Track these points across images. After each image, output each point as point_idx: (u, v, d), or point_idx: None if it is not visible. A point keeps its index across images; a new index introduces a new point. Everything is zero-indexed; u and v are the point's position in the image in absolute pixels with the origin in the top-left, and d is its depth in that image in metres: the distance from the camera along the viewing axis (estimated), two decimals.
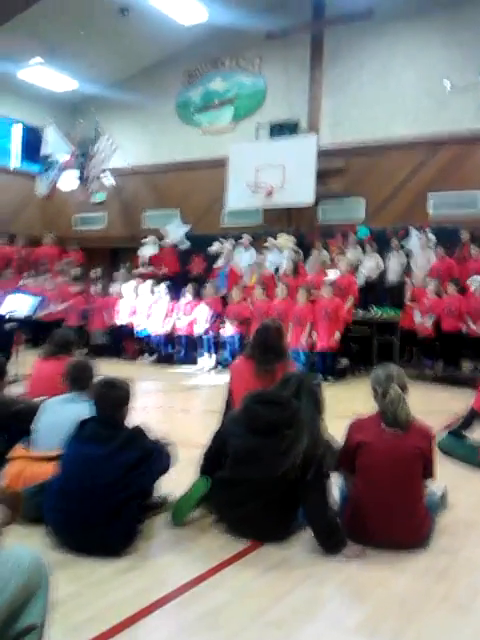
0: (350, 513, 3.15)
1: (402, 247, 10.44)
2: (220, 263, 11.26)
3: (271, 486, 3.05)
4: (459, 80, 10.90)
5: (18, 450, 3.45)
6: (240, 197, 12.18)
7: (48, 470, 3.17)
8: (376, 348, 9.50)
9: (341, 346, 8.71)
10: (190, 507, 3.32)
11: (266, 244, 11.41)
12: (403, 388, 3.24)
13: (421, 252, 10.13)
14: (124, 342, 10.80)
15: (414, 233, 10.63)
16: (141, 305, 10.50)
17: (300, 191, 11.54)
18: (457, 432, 4.80)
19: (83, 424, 3.15)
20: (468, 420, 4.80)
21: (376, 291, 10.33)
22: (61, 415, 3.46)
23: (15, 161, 15.60)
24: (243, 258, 11.43)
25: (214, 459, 3.35)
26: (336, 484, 3.35)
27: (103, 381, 3.26)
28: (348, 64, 12.22)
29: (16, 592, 1.69)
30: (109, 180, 14.46)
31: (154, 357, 10.34)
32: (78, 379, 3.68)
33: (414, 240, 10.50)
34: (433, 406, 6.65)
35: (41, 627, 1.78)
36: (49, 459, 3.25)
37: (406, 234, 10.71)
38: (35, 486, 3.14)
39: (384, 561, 2.95)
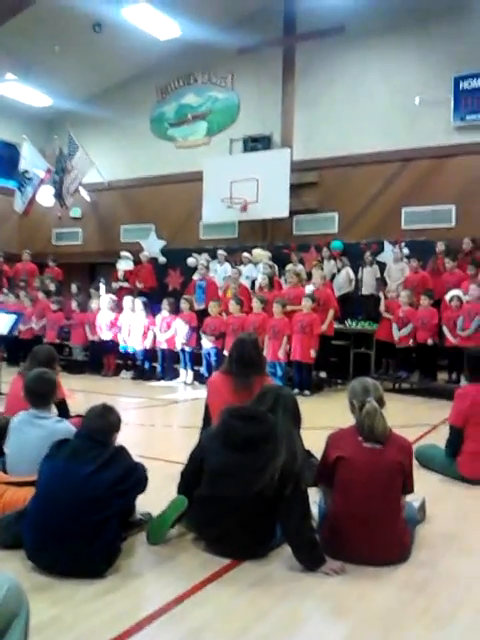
0: (329, 529, 3.16)
1: (375, 261, 10.55)
2: (196, 277, 11.27)
3: (249, 503, 3.04)
4: (430, 96, 11.11)
5: None
6: (215, 211, 12.25)
7: (26, 495, 3.14)
8: (353, 360, 9.57)
9: (318, 359, 8.74)
10: (166, 527, 3.30)
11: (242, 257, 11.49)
12: (380, 401, 3.26)
13: (394, 265, 10.26)
14: (104, 357, 10.74)
15: (388, 246, 10.79)
16: (121, 320, 10.45)
17: (274, 205, 11.65)
18: (451, 453, 4.60)
19: (61, 443, 3.14)
20: (455, 438, 4.57)
21: (351, 304, 10.43)
22: (30, 435, 3.43)
23: None
24: (219, 272, 11.47)
25: (192, 477, 3.33)
26: (314, 499, 3.36)
27: (104, 405, 3.30)
28: (320, 79, 12.38)
29: None
30: (85, 195, 14.45)
31: (134, 372, 10.29)
32: (41, 394, 3.61)
33: (388, 253, 10.65)
34: (410, 418, 6.71)
35: None
36: (27, 484, 3.21)
37: (379, 249, 10.86)
38: (13, 514, 3.09)
39: (364, 575, 2.97)
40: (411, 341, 8.76)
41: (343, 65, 12.18)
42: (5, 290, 12.28)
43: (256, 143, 12.76)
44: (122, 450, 3.17)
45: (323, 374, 9.28)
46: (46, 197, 14.33)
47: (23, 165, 14.08)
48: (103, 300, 10.82)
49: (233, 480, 3.09)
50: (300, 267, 10.61)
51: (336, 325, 9.60)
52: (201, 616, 2.57)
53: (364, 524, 3.05)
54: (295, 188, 11.87)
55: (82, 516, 2.85)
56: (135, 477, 3.14)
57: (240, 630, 2.47)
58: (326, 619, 2.65)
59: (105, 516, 2.90)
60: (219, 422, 3.37)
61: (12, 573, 2.00)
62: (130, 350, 10.33)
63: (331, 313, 9.03)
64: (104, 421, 3.20)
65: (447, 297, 8.74)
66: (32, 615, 1.86)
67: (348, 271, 10.49)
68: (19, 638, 1.72)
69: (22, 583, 1.86)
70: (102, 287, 11.74)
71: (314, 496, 3.36)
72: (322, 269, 10.02)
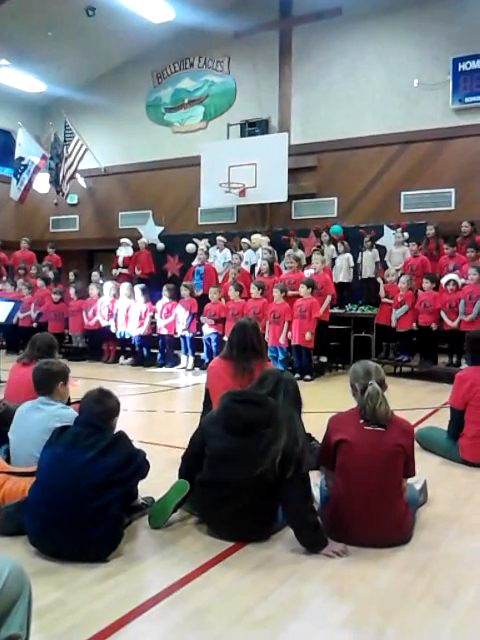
0: (331, 511, 3.17)
1: (375, 245, 10.51)
2: (195, 263, 11.25)
3: (250, 486, 3.05)
4: (428, 78, 11.03)
5: None
6: (214, 196, 12.20)
7: (26, 486, 3.13)
8: (353, 345, 9.57)
9: (319, 343, 8.74)
10: (168, 510, 3.31)
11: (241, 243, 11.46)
12: (381, 384, 3.25)
13: (396, 249, 10.22)
14: (103, 344, 10.74)
15: (388, 231, 10.74)
16: (119, 307, 10.45)
17: (273, 189, 11.60)
18: (453, 435, 4.62)
19: (61, 430, 3.14)
20: (457, 420, 4.58)
21: (351, 288, 10.41)
22: (32, 419, 3.45)
23: None
24: (218, 258, 11.44)
25: (193, 461, 3.34)
26: (316, 482, 3.37)
27: (100, 390, 3.27)
28: (317, 62, 12.29)
29: None
30: (82, 182, 14.38)
31: (133, 359, 10.30)
32: (43, 382, 3.61)
33: (388, 237, 10.60)
34: (411, 401, 6.72)
35: (23, 637, 1.74)
36: (27, 474, 3.21)
37: (379, 233, 10.81)
38: (14, 504, 3.09)
39: (366, 557, 2.98)
40: (414, 325, 8.74)
41: (340, 47, 12.08)
42: (4, 278, 12.25)
43: (254, 127, 12.69)
44: (122, 436, 3.16)
45: (324, 359, 9.28)
46: (42, 184, 14.27)
47: (19, 152, 13.98)
48: (106, 287, 10.80)
49: (234, 464, 3.10)
50: (300, 252, 10.58)
51: (336, 310, 9.60)
52: (204, 598, 2.59)
53: (366, 506, 3.06)
54: (293, 172, 11.82)
55: (83, 502, 2.85)
56: (135, 464, 3.14)
57: (243, 611, 2.48)
58: (328, 600, 2.66)
59: (106, 501, 2.90)
60: (220, 406, 3.37)
61: (15, 557, 2.00)
62: (127, 336, 10.34)
63: (328, 298, 9.01)
64: (101, 406, 3.18)
65: (443, 281, 8.72)
66: (36, 599, 1.86)
67: (348, 258, 10.43)
68: (22, 619, 1.72)
69: (26, 567, 1.86)
70: (95, 274, 11.69)
71: (315, 479, 3.37)
72: (322, 254, 9.98)
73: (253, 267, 10.88)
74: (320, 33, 12.06)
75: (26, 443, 3.37)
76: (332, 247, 10.71)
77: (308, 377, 8.47)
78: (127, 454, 3.10)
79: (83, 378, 8.21)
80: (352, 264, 10.43)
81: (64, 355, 10.21)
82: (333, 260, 10.55)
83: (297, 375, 8.19)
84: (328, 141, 11.89)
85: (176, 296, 10.12)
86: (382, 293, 9.38)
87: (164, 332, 10.00)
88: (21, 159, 13.94)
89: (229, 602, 2.57)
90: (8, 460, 3.48)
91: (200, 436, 3.36)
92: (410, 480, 3.37)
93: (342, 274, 10.35)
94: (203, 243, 11.84)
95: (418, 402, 6.75)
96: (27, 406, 3.57)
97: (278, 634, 2.35)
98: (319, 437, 3.53)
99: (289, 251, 10.57)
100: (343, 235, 10.87)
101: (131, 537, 3.16)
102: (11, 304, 8.24)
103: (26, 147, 13.93)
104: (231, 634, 2.34)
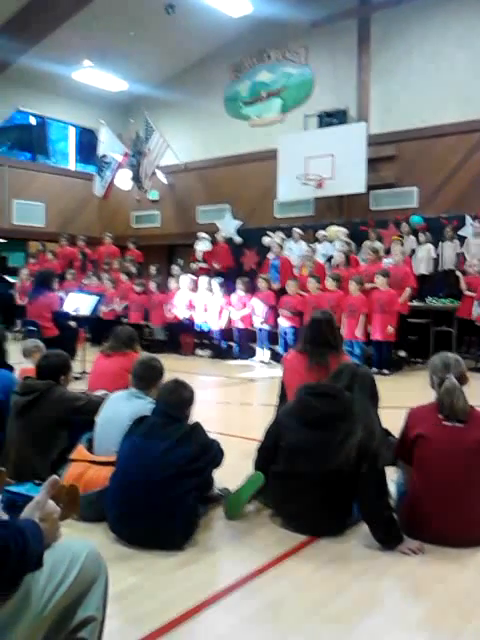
0: (408, 508, 3.10)
1: (456, 236, 10.18)
2: (270, 256, 11.24)
3: (326, 479, 3.04)
4: None
5: (80, 451, 3.51)
6: (291, 188, 12.13)
7: (107, 475, 3.20)
8: (433, 339, 9.32)
9: (398, 337, 8.56)
10: (242, 502, 3.35)
11: (317, 235, 11.36)
12: (461, 378, 3.16)
13: (473, 240, 9.87)
14: (181, 337, 10.93)
15: (468, 221, 10.37)
16: (198, 300, 10.62)
17: (351, 180, 11.41)
18: None
19: (140, 420, 3.22)
20: None
21: (431, 281, 10.12)
22: (121, 408, 3.54)
23: (72, 163, 16.02)
24: (294, 250, 11.39)
25: (268, 454, 3.35)
26: (392, 478, 3.31)
27: (176, 380, 3.35)
28: (397, 49, 11.98)
29: (74, 584, 1.70)
30: (162, 178, 14.63)
31: (211, 351, 10.44)
32: (144, 377, 3.70)
33: (468, 228, 10.25)
34: None
35: (99, 619, 1.79)
36: (108, 464, 3.29)
37: (460, 223, 10.45)
38: (95, 492, 3.17)
39: (444, 556, 2.91)
40: None
41: (421, 33, 11.71)
42: (89, 273, 12.65)
43: (331, 118, 12.48)
44: (197, 427, 3.21)
45: (402, 353, 9.09)
46: (124, 181, 14.61)
47: (101, 150, 14.39)
48: (183, 280, 10.98)
49: (310, 457, 3.09)
50: (378, 243, 10.37)
51: (416, 303, 9.37)
52: (278, 590, 2.60)
53: (444, 504, 2.98)
54: (372, 162, 11.57)
55: (160, 491, 2.92)
56: (210, 454, 3.19)
57: (317, 605, 2.48)
58: (404, 599, 2.62)
59: (182, 491, 2.96)
60: (295, 399, 3.38)
61: (94, 542, 2.06)
62: (205, 328, 10.48)
63: (408, 291, 8.81)
64: (176, 396, 3.25)
65: None
66: (113, 583, 1.90)
67: (430, 249, 10.14)
68: (98, 602, 1.76)
69: (105, 552, 1.91)
70: (175, 268, 11.88)
71: (392, 474, 3.31)
72: (402, 245, 9.75)
73: (330, 259, 10.76)
74: (400, 19, 11.74)
75: (113, 429, 3.44)
76: (412, 238, 10.45)
77: (386, 371, 8.33)
78: (202, 444, 3.15)
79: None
80: (434, 255, 10.14)
81: (145, 347, 10.44)
82: (413, 251, 10.29)
83: (374, 369, 8.05)
84: (408, 130, 11.57)
85: (251, 289, 10.18)
86: (463, 286, 9.08)
87: (239, 325, 10.07)
88: (104, 157, 14.32)
89: (303, 595, 2.56)
90: (90, 448, 3.60)
91: (275, 428, 3.37)
92: None
93: (423, 266, 10.07)
94: (277, 236, 11.80)
95: None
96: (119, 394, 3.68)
97: (352, 630, 2.34)
98: (396, 433, 3.47)
99: (366, 242, 10.40)
100: (425, 225, 10.58)
101: (206, 527, 3.20)
102: (95, 298, 8.50)
103: (109, 145, 14.29)
104: (305, 628, 2.33)
